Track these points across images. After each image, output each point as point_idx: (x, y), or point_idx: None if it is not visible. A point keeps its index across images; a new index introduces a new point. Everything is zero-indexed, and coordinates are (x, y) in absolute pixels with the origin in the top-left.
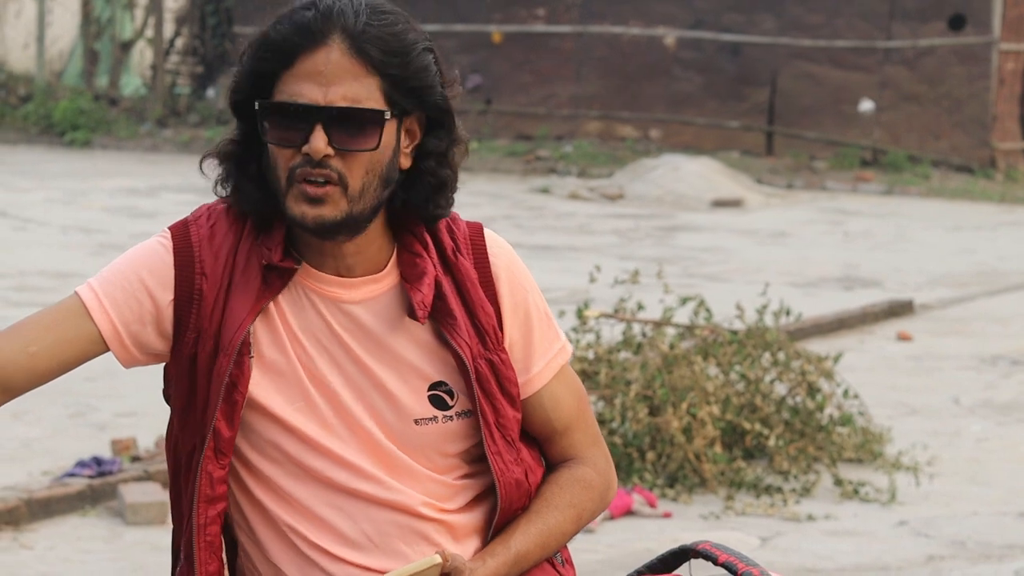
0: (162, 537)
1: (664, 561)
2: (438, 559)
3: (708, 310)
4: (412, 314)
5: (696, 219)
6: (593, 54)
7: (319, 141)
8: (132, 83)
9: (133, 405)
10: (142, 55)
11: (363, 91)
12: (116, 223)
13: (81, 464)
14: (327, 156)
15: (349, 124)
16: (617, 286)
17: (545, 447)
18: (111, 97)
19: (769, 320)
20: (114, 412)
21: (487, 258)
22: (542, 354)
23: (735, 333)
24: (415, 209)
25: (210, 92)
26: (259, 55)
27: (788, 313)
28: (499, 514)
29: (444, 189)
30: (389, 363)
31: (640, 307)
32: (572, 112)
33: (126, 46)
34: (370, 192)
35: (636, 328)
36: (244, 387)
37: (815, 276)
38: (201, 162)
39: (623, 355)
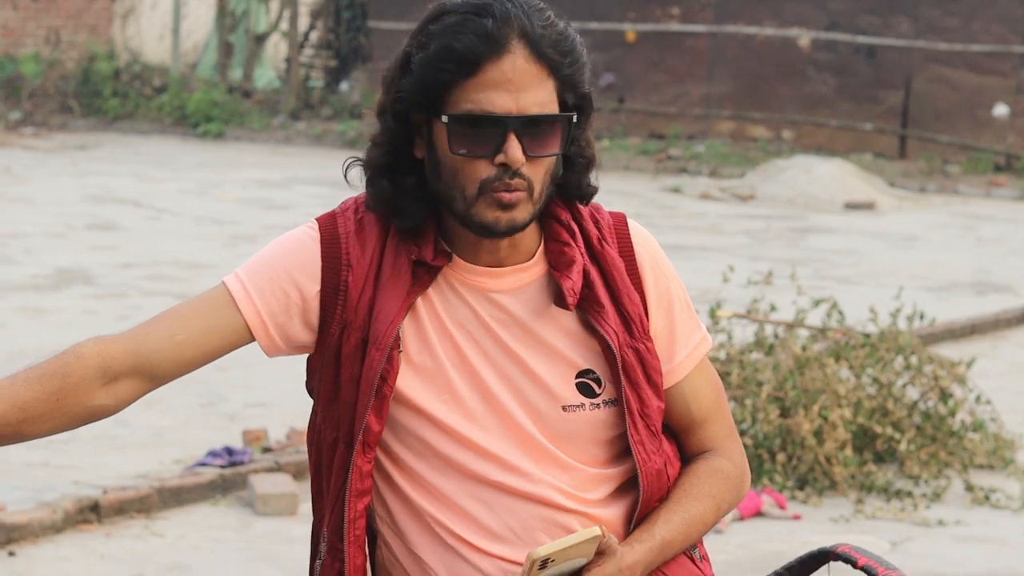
0: (292, 528)
1: (803, 563)
2: (598, 531)
3: (840, 312)
4: (560, 302)
5: (828, 221)
6: (726, 54)
7: (517, 150)
8: (266, 76)
9: (263, 396)
10: (276, 48)
11: (546, 95)
12: (249, 215)
13: (212, 454)
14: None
15: (538, 130)
16: (749, 287)
17: (682, 438)
18: (245, 89)
19: (902, 324)
20: (245, 403)
21: (632, 247)
22: (684, 344)
23: (867, 336)
24: (571, 191)
25: (343, 86)
26: (439, 65)
27: (921, 317)
28: (640, 504)
29: (591, 166)
30: (538, 350)
31: (772, 308)
32: (704, 112)
33: (260, 39)
34: (546, 191)
35: (768, 329)
36: (393, 381)
37: (947, 280)
38: (346, 171)
39: (755, 356)
